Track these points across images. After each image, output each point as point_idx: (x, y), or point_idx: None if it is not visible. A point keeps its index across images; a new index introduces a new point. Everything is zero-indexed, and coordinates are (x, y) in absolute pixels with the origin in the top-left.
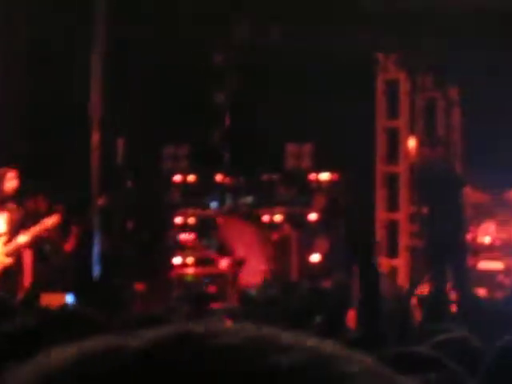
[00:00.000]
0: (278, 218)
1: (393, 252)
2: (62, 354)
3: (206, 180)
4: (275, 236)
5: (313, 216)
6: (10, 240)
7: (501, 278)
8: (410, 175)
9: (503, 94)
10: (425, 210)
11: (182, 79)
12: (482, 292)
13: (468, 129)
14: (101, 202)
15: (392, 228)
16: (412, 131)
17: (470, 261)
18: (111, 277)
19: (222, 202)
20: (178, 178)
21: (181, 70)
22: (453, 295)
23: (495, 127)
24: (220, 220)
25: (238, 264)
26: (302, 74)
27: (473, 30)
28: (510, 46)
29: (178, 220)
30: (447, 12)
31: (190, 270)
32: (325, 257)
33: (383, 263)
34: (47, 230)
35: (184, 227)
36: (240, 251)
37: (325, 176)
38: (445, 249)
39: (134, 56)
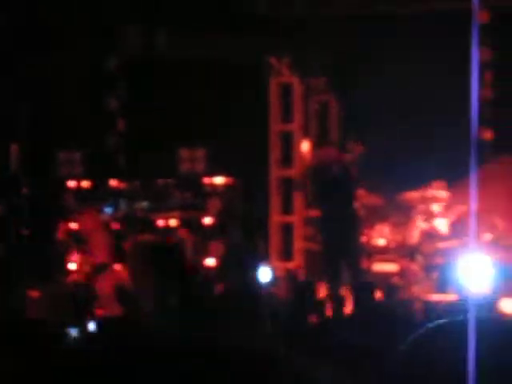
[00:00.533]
0: (173, 222)
1: (288, 255)
2: None
3: (100, 185)
4: (170, 241)
5: (208, 220)
6: None
7: (396, 279)
8: (304, 178)
9: (392, 96)
10: (318, 213)
11: (76, 85)
12: (377, 294)
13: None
14: None
15: (287, 231)
16: (306, 134)
17: (364, 263)
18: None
19: (117, 208)
20: (72, 183)
21: (74, 75)
22: (348, 296)
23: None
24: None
25: (99, 269)
26: (195, 78)
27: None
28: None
29: (73, 225)
30: (333, 16)
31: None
32: (220, 260)
33: (279, 266)
34: None
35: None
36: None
37: (219, 180)
38: (339, 250)
39: (21, 58)
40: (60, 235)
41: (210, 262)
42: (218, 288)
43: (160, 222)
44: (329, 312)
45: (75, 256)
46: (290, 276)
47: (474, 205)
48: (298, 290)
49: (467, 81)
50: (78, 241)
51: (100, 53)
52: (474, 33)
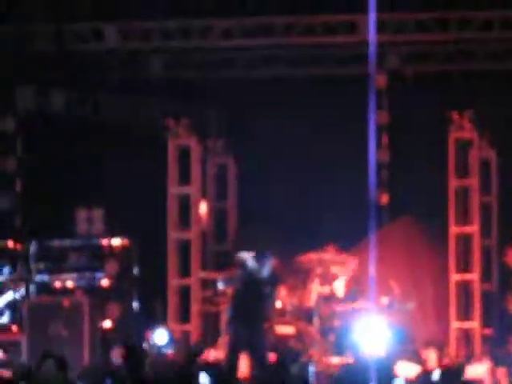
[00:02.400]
0: (69, 284)
1: (185, 317)
2: None
3: None
4: (66, 302)
5: (104, 282)
6: None
7: (293, 342)
8: (201, 241)
9: (290, 159)
10: (216, 275)
11: None
12: (274, 356)
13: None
14: None
15: (184, 293)
16: (204, 197)
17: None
18: None
19: (13, 269)
20: None
21: None
22: (249, 360)
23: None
24: None
25: None
26: (93, 138)
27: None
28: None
29: None
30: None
31: None
32: (116, 322)
33: (175, 328)
34: None
35: None
36: None
37: (116, 242)
38: (244, 314)
39: None
40: None
41: (107, 324)
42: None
43: (57, 284)
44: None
45: None
46: (184, 339)
47: (372, 268)
48: (189, 353)
49: (363, 144)
50: None
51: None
52: (371, 97)
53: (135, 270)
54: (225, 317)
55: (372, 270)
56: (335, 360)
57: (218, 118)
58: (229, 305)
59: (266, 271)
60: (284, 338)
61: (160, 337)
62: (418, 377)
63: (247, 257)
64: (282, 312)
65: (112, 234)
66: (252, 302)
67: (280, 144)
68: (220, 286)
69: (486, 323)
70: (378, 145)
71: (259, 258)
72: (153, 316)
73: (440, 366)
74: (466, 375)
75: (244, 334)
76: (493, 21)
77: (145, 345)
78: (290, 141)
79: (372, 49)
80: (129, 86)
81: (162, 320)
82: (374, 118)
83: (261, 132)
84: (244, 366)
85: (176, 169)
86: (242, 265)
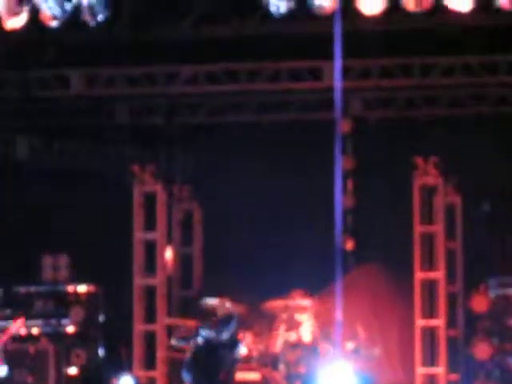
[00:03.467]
0: (34, 330)
1: (150, 364)
2: None
3: None
4: (32, 349)
5: (70, 328)
6: None
7: None
8: (166, 287)
9: (253, 205)
10: (181, 322)
11: None
12: None
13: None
14: None
15: (150, 340)
16: (169, 242)
17: (228, 372)
18: None
19: None
20: None
21: None
22: None
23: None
24: None
25: None
26: (57, 186)
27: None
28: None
29: None
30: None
31: None
32: (82, 369)
33: (140, 375)
34: None
35: None
36: None
37: (82, 288)
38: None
39: None
40: None
41: (72, 371)
42: None
43: (21, 331)
44: None
45: None
46: None
47: (338, 313)
48: None
49: (329, 189)
50: None
51: None
52: (337, 142)
53: (101, 317)
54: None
55: (338, 315)
56: None
57: (184, 164)
58: (183, 367)
59: (226, 335)
60: None
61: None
62: None
63: (220, 304)
64: (248, 358)
65: (78, 280)
66: (209, 367)
67: (246, 190)
68: (174, 343)
69: (451, 369)
70: (344, 190)
71: (222, 322)
72: (118, 363)
73: None
74: None
75: None
76: (454, 66)
77: None
78: (257, 187)
79: (337, 95)
80: (94, 132)
81: (127, 367)
82: (340, 164)
83: (227, 178)
84: None
85: (141, 214)
86: (217, 312)
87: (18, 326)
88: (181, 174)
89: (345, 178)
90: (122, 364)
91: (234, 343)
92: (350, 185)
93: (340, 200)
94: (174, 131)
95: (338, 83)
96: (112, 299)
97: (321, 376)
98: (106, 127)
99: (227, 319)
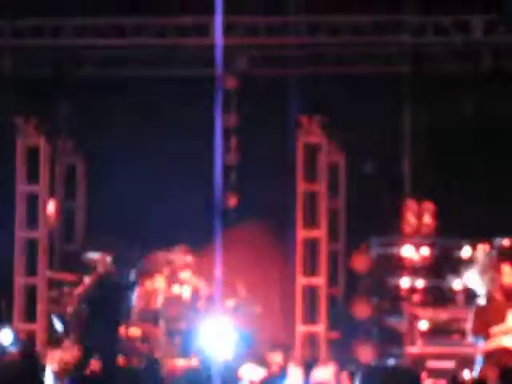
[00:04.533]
0: None
1: (30, 317)
2: None
3: None
4: None
5: None
6: None
7: (138, 344)
8: (48, 240)
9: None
10: (62, 276)
11: None
12: (121, 360)
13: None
14: None
15: (31, 293)
16: (52, 196)
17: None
18: None
19: None
20: None
21: None
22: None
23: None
24: None
25: None
26: None
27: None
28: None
29: None
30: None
31: None
32: None
33: (19, 327)
34: None
35: None
36: None
37: None
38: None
39: None
40: None
41: None
42: None
43: None
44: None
45: None
46: (29, 338)
47: (218, 270)
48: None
49: (212, 146)
50: None
51: None
52: (217, 98)
53: None
54: (71, 317)
55: (218, 272)
56: (181, 362)
57: (68, 117)
58: (81, 306)
59: (124, 276)
60: (130, 340)
61: (4, 336)
62: (263, 380)
63: (101, 259)
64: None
65: None
66: (107, 305)
67: (131, 145)
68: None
69: (331, 327)
70: (227, 147)
71: (118, 261)
72: None
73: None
74: (312, 379)
75: (98, 336)
76: (341, 26)
77: None
78: (141, 140)
79: (219, 51)
80: None
81: (7, 319)
82: (220, 120)
83: (111, 132)
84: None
85: (24, 168)
86: (97, 267)
87: None
88: (65, 128)
89: (228, 134)
90: (1, 317)
91: (131, 284)
92: (233, 142)
93: (220, 157)
94: (59, 84)
95: (219, 39)
96: None
97: (201, 332)
98: None
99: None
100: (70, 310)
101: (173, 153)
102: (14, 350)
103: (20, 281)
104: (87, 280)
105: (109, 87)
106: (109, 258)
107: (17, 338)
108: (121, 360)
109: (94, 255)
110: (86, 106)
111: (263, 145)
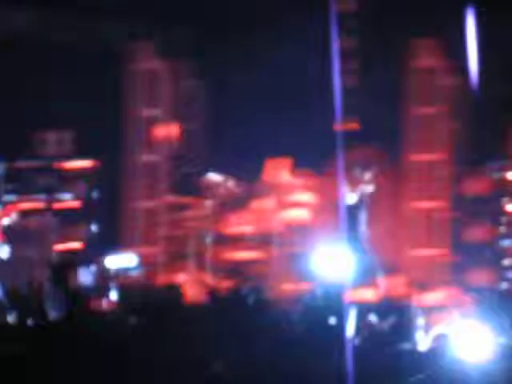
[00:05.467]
0: (37, 205)
1: (150, 240)
2: None
3: None
4: (35, 223)
5: (72, 203)
6: None
7: (255, 267)
8: (169, 163)
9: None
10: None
11: None
12: (233, 281)
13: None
14: None
15: (151, 217)
16: (173, 119)
17: (226, 250)
18: None
19: None
20: None
21: None
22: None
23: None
24: None
25: None
26: (58, 61)
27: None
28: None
29: None
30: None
31: None
32: (83, 244)
33: (142, 251)
34: None
35: None
36: None
37: (84, 164)
38: None
39: None
40: None
41: (73, 244)
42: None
43: (25, 205)
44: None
45: None
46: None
47: (340, 193)
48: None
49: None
50: None
51: None
52: (332, 20)
53: (103, 192)
54: (192, 241)
55: (339, 194)
56: (297, 286)
57: (188, 41)
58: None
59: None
60: (245, 263)
61: (128, 259)
62: (376, 302)
63: (223, 181)
64: (246, 237)
65: (80, 156)
66: None
67: (251, 69)
68: None
69: (448, 251)
70: (348, 70)
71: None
72: (119, 238)
73: None
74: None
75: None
76: None
77: (110, 266)
78: (261, 65)
79: None
80: (94, 7)
81: (129, 242)
82: (339, 43)
83: (228, 53)
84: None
85: (144, 91)
86: (218, 189)
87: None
88: (185, 51)
89: (349, 58)
90: (123, 239)
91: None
92: (354, 65)
93: (338, 80)
94: (178, 7)
95: None
96: (115, 175)
97: (317, 256)
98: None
99: None
100: (190, 232)
101: (294, 77)
102: (136, 272)
103: (141, 204)
104: (208, 204)
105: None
106: (229, 182)
107: (139, 262)
108: (233, 282)
109: (214, 179)
110: (207, 28)
111: (382, 68)
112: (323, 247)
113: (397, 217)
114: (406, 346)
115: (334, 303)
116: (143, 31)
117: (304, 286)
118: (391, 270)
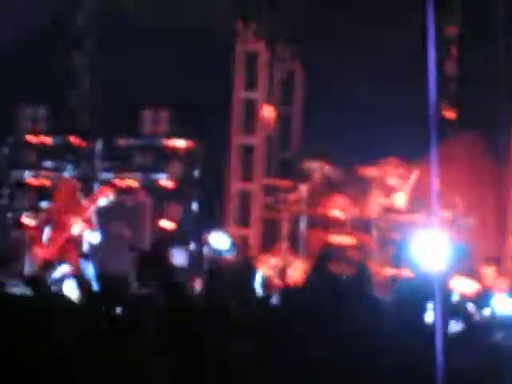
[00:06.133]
0: (133, 183)
1: (245, 222)
2: None
3: (62, 143)
4: (129, 201)
5: (168, 183)
6: None
7: (351, 252)
8: (265, 146)
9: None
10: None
11: (40, 40)
12: (332, 266)
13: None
14: None
15: (246, 198)
16: (269, 102)
17: (321, 235)
18: None
19: (77, 166)
20: (34, 139)
21: (39, 30)
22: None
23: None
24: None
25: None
26: (160, 41)
27: None
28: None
29: (33, 182)
30: None
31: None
32: (177, 224)
33: (234, 232)
34: None
35: (39, 189)
36: None
37: (181, 143)
38: None
39: None
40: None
41: (167, 224)
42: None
43: (120, 183)
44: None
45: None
46: (243, 244)
47: (434, 182)
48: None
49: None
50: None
51: (69, 7)
52: (429, 6)
53: (198, 173)
54: (285, 224)
55: (436, 183)
56: (393, 272)
57: (287, 23)
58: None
59: None
60: (343, 248)
61: (221, 241)
62: (475, 293)
63: (318, 166)
64: (342, 222)
65: (177, 135)
66: None
67: (351, 54)
68: None
69: None
70: (446, 57)
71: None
72: (212, 219)
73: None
74: None
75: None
76: None
77: (204, 248)
78: (356, 50)
79: None
80: None
81: (220, 223)
82: (433, 29)
83: (332, 41)
84: (298, 270)
85: (243, 74)
86: (313, 174)
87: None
88: (284, 33)
89: (448, 44)
90: (215, 220)
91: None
92: (453, 52)
93: (434, 66)
94: None
95: None
96: (210, 156)
97: (415, 243)
98: None
99: None
100: (284, 216)
101: (389, 65)
102: (230, 255)
103: (236, 186)
104: (302, 188)
105: None
106: (325, 166)
107: (233, 244)
108: (332, 267)
109: (310, 163)
110: (307, 12)
111: (483, 56)
112: (421, 234)
113: (496, 205)
114: (507, 339)
115: (430, 290)
116: (247, 11)
117: (400, 273)
118: (490, 258)
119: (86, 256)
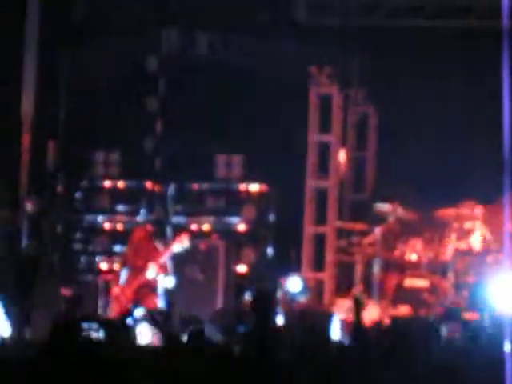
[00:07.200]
0: (206, 227)
1: (319, 266)
2: None
3: (135, 187)
4: (203, 245)
5: (241, 227)
6: None
7: (426, 295)
8: (338, 189)
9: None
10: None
11: (114, 85)
12: (406, 309)
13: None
14: (30, 205)
15: (319, 242)
16: (343, 145)
17: (396, 278)
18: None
19: (150, 210)
20: (108, 183)
21: (113, 75)
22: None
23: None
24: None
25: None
26: (235, 83)
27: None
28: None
29: (107, 226)
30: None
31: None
32: (251, 267)
33: (309, 276)
34: None
35: (112, 233)
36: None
37: (254, 187)
38: None
39: (63, 58)
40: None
41: (242, 268)
42: None
43: (193, 227)
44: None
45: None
46: (318, 287)
47: (508, 223)
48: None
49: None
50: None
51: (140, 52)
52: (505, 51)
53: (272, 216)
54: (359, 267)
55: (508, 225)
56: (468, 316)
57: (361, 67)
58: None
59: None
60: (418, 291)
61: (294, 284)
62: None
63: (391, 209)
64: (417, 265)
65: (250, 179)
66: None
67: (425, 96)
68: None
69: None
70: None
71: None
72: (287, 263)
73: None
74: None
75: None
76: None
77: (278, 291)
78: (430, 94)
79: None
80: (272, 31)
81: (296, 267)
82: (508, 72)
83: (405, 83)
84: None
85: (317, 117)
86: (387, 217)
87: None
88: (358, 77)
89: None
90: (290, 264)
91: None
92: None
93: (509, 108)
94: (351, 33)
95: None
96: (284, 200)
97: (490, 286)
98: (284, 26)
99: None
100: (358, 259)
101: (462, 106)
102: (302, 298)
103: (310, 230)
104: (377, 230)
105: (400, 37)
106: (399, 209)
107: (306, 287)
108: (405, 310)
109: (383, 206)
110: (379, 55)
111: None
112: (498, 276)
113: None
114: None
115: (504, 333)
116: (321, 57)
117: (477, 316)
118: None
119: (161, 300)
